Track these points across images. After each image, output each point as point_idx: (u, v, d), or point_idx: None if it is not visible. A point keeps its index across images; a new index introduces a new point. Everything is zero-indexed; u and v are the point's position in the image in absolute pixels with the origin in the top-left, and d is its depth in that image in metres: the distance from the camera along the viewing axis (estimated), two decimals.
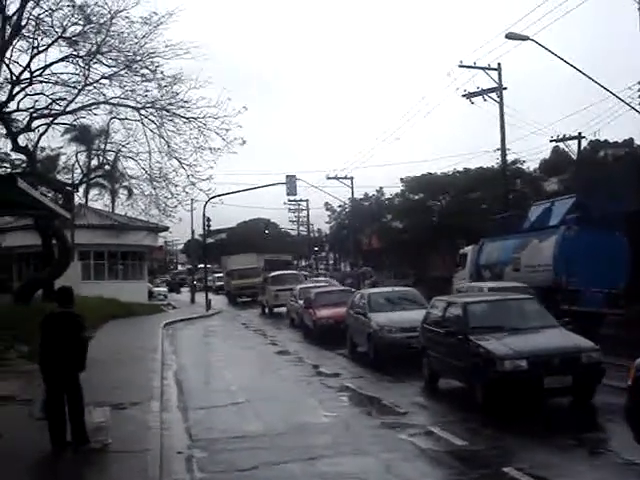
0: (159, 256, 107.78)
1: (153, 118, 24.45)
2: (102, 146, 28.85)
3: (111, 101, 24.28)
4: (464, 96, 33.56)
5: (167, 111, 24.35)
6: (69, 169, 34.50)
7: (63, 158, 34.52)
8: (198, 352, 23.63)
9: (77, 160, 29.55)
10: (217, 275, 67.96)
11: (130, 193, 32.19)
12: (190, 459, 9.66)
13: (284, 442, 10.43)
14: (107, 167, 28.24)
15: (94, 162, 29.38)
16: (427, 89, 73.72)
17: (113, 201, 56.17)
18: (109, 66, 23.65)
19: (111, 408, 10.15)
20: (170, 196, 25.61)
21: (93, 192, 50.63)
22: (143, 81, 24.72)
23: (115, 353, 19.97)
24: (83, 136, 33.48)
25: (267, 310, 38.37)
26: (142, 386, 14.47)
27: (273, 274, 39.41)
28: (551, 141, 40.28)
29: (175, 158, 24.53)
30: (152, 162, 25.07)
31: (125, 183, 41.42)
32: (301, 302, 28.34)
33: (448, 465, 8.94)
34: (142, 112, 24.34)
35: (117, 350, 20.85)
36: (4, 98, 22.30)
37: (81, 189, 39.70)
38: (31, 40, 21.75)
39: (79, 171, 31.45)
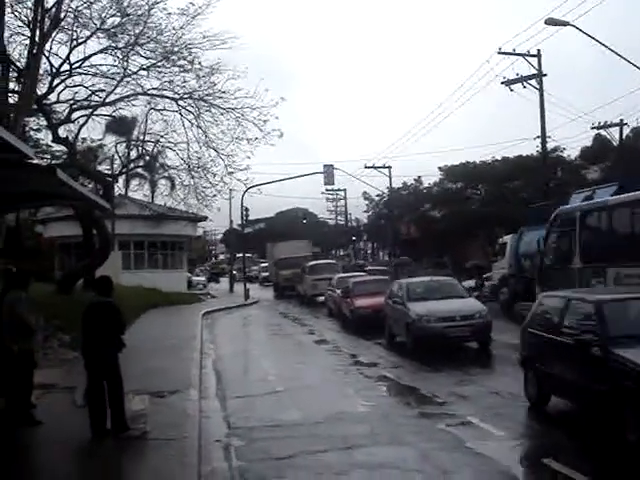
0: (199, 246, 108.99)
1: (191, 109, 24.62)
2: (141, 137, 29.14)
3: (149, 92, 24.46)
4: (503, 83, 33.24)
5: (205, 101, 24.49)
6: (110, 160, 35.08)
7: (104, 149, 35.02)
8: (236, 341, 23.72)
9: (117, 151, 29.90)
10: (263, 265, 64.87)
11: (173, 183, 32.53)
12: (228, 447, 9.70)
13: (321, 431, 10.43)
14: (146, 158, 28.39)
15: (133, 153, 29.58)
16: (466, 76, 73.01)
17: (153, 191, 56.62)
18: (147, 57, 23.81)
19: (150, 396, 10.24)
20: (209, 186, 25.82)
21: (133, 183, 51.28)
22: (181, 72, 24.89)
23: (154, 342, 20.18)
24: (121, 127, 33.75)
25: (305, 299, 38.42)
26: (181, 374, 14.58)
27: (311, 263, 39.50)
28: (592, 128, 39.65)
29: (213, 148, 24.71)
30: (190, 152, 25.26)
31: (165, 174, 41.87)
32: (339, 291, 28.36)
33: (486, 456, 8.85)
34: (180, 103, 24.52)
35: (156, 339, 21.09)
36: (44, 90, 22.57)
37: (121, 180, 40.16)
38: (70, 32, 22.02)
39: (119, 162, 31.82)
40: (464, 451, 9.12)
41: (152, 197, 49.85)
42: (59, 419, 10.35)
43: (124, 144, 31.19)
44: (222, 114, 24.42)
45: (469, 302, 19.01)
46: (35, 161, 7.02)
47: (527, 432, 10.21)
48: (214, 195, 26.03)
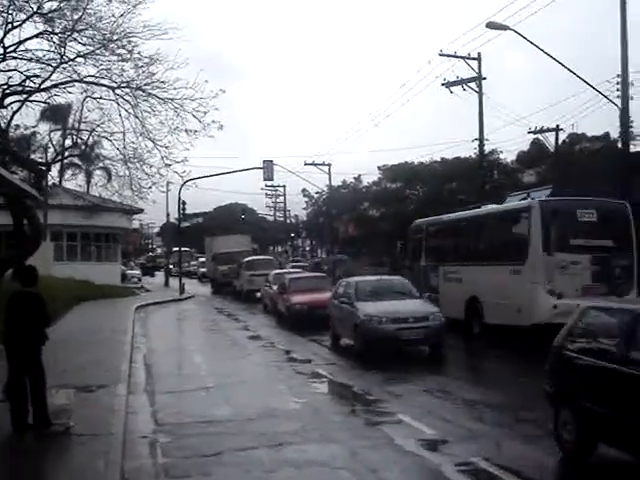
0: (134, 239, 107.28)
1: (128, 98, 23.95)
2: (76, 125, 28.41)
3: (86, 80, 23.81)
4: (444, 85, 33.59)
5: (143, 91, 23.89)
6: (43, 149, 34.11)
7: (37, 137, 34.06)
8: (169, 336, 23.39)
9: (50, 139, 29.09)
10: (202, 260, 63.02)
11: (109, 174, 31.81)
12: (154, 443, 9.48)
13: (251, 428, 10.27)
14: (82, 147, 27.69)
15: (68, 142, 28.79)
16: (407, 77, 73.60)
17: (88, 182, 55.46)
18: (85, 44, 23.12)
19: (75, 391, 9.92)
20: (145, 177, 25.28)
21: (68, 172, 50.11)
22: (119, 61, 24.28)
23: (84, 335, 19.75)
24: (56, 115, 32.89)
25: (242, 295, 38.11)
26: (110, 369, 14.24)
27: (248, 259, 39.24)
28: (529, 132, 40.48)
29: (150, 139, 24.12)
30: (126, 142, 24.65)
31: (100, 164, 41.00)
32: (275, 287, 28.23)
33: (415, 454, 8.84)
34: (117, 92, 23.88)
35: (87, 332, 20.62)
36: None
37: (55, 169, 39.15)
38: (5, 15, 21.27)
39: (52, 151, 30.98)
40: (394, 449, 9.10)
41: (87, 188, 48.81)
42: None
43: (58, 132, 30.36)
44: (160, 104, 23.88)
45: (422, 303, 17.75)
46: None
47: (458, 431, 10.23)
48: (150, 187, 25.44)
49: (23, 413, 9.09)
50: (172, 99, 24.00)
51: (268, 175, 42.74)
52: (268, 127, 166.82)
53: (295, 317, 23.62)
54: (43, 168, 27.50)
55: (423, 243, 23.61)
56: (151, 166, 24.77)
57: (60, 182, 45.99)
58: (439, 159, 46.45)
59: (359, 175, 66.47)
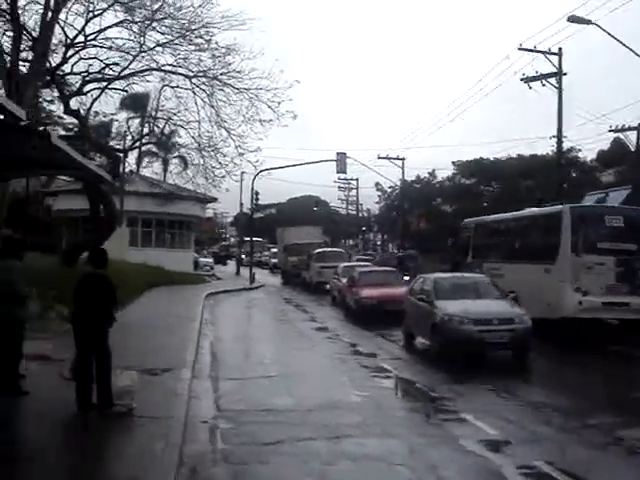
0: (208, 228, 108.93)
1: (204, 87, 24.38)
2: (153, 113, 28.93)
3: (164, 68, 24.24)
4: (522, 80, 32.74)
5: (219, 81, 24.25)
6: (122, 136, 34.89)
7: (116, 124, 34.85)
8: (236, 324, 23.60)
9: (128, 127, 29.67)
10: (274, 250, 62.65)
11: (185, 163, 32.31)
12: (214, 429, 9.53)
13: (312, 418, 10.22)
14: (159, 135, 28.22)
15: (145, 129, 29.34)
16: (485, 71, 72.09)
17: (165, 170, 56.50)
18: (163, 34, 23.56)
19: (138, 373, 10.04)
20: (218, 166, 25.63)
21: (145, 160, 51.21)
22: (197, 50, 24.65)
23: (153, 320, 20.09)
24: (135, 103, 33.59)
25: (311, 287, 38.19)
26: (176, 354, 14.39)
27: (318, 251, 39.25)
28: (609, 131, 39.12)
29: (224, 128, 24.46)
30: (201, 131, 25.06)
31: (176, 152, 41.64)
32: (344, 280, 28.15)
33: (475, 454, 8.62)
34: (193, 80, 24.28)
35: (156, 317, 20.99)
36: (58, 60, 22.37)
37: (133, 156, 39.99)
38: (86, 4, 21.79)
39: (130, 138, 31.61)
40: (454, 447, 8.90)
41: (164, 175, 49.72)
42: (46, 390, 10.17)
43: (136, 120, 30.97)
44: (235, 94, 24.20)
45: (506, 304, 16.46)
46: (24, 123, 6.80)
47: (522, 433, 9.94)
48: (223, 176, 25.85)
49: (88, 392, 9.25)
50: (247, 89, 24.32)
51: (341, 168, 42.67)
52: (342, 119, 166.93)
53: (363, 311, 23.31)
54: (120, 155, 28.07)
55: (471, 241, 25.01)
56: (225, 155, 25.17)
57: (137, 169, 47.05)
58: (515, 155, 45.50)
59: (433, 170, 65.64)
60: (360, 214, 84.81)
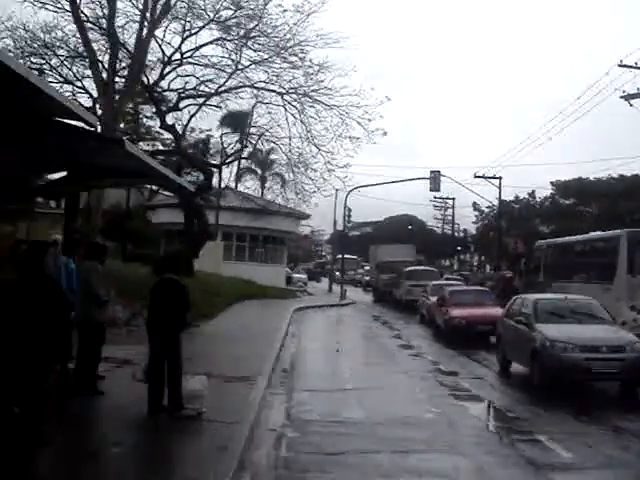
0: (305, 245, 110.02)
1: (295, 104, 24.76)
2: (247, 130, 29.61)
3: (257, 85, 24.78)
4: (622, 97, 31.63)
5: (310, 97, 24.58)
6: (220, 152, 35.85)
7: (214, 141, 35.86)
8: (320, 338, 23.61)
9: (222, 143, 30.41)
10: (367, 268, 63.27)
11: (283, 180, 32.88)
12: (281, 437, 9.58)
13: (380, 432, 10.13)
14: (255, 152, 28.87)
15: (238, 145, 30.03)
16: (584, 88, 69.89)
17: (262, 186, 57.68)
18: (257, 51, 24.10)
19: (214, 379, 10.19)
20: (309, 182, 25.97)
21: (246, 177, 52.49)
22: (291, 68, 25.11)
23: (239, 330, 20.43)
24: (236, 121, 34.42)
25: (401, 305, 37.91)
26: (255, 363, 14.53)
27: (409, 269, 38.93)
28: None
29: (314, 144, 24.74)
30: (292, 147, 25.43)
31: (274, 170, 42.24)
32: (433, 299, 27.80)
33: (545, 476, 8.32)
34: (285, 97, 24.71)
35: (241, 328, 21.33)
36: (155, 77, 23.25)
37: (229, 172, 40.88)
38: (183, 22, 22.57)
39: (226, 154, 32.36)
40: (523, 468, 8.62)
41: (261, 192, 50.71)
42: (121, 392, 10.49)
43: (230, 136, 31.71)
44: (326, 110, 24.46)
45: (616, 330, 14.94)
46: (97, 130, 7.08)
47: (599, 458, 9.51)
48: (314, 191, 26.15)
49: (159, 395, 9.49)
50: (338, 106, 24.52)
51: (435, 186, 42.35)
52: (438, 137, 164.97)
53: (453, 331, 22.59)
54: (213, 170, 28.79)
55: (542, 261, 26.85)
56: (315, 171, 25.42)
57: (235, 185, 48.19)
58: (617, 175, 43.86)
59: (533, 191, 64.06)
60: (456, 234, 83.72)
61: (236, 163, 39.69)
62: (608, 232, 22.67)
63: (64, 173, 10.99)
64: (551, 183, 48.40)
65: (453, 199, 72.48)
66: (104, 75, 17.99)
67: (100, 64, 19.74)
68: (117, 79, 20.48)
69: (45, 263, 7.92)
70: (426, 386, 14.52)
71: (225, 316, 24.49)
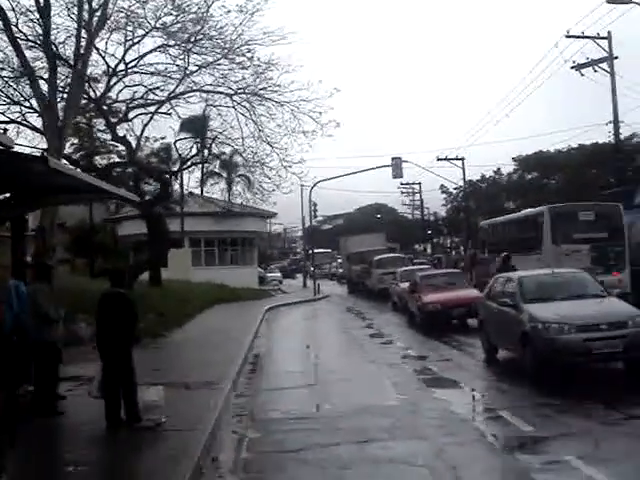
0: (278, 243, 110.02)
1: (245, 104, 24.69)
2: (206, 134, 29.46)
3: (205, 88, 24.66)
4: (573, 68, 31.93)
5: (259, 96, 24.51)
6: (178, 159, 35.61)
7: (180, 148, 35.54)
8: (290, 335, 23.55)
9: (176, 149, 30.20)
10: (340, 261, 63.73)
11: (249, 181, 32.74)
12: (242, 439, 9.54)
13: (343, 424, 10.13)
14: (206, 154, 28.73)
15: (194, 150, 29.81)
16: (534, 62, 70.44)
17: (229, 189, 57.28)
18: (202, 54, 23.95)
19: (177, 387, 10.15)
20: (267, 181, 25.93)
21: (210, 181, 52.19)
22: (240, 69, 24.98)
23: (207, 336, 20.39)
24: (194, 125, 34.20)
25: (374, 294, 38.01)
26: (220, 368, 14.42)
27: (378, 257, 39.06)
28: None
29: (267, 142, 24.69)
30: (246, 147, 25.38)
31: (240, 172, 42.10)
32: (403, 285, 27.93)
33: (506, 452, 8.39)
34: (235, 98, 24.61)
35: (211, 332, 21.30)
36: (102, 89, 23.04)
37: (194, 177, 40.44)
38: (125, 32, 22.37)
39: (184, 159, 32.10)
40: (483, 447, 8.70)
41: (229, 195, 50.52)
42: (82, 410, 10.40)
43: (184, 141, 31.46)
44: (276, 107, 24.42)
45: (614, 303, 13.40)
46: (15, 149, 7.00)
47: (555, 427, 9.58)
48: (272, 190, 26.12)
49: (116, 409, 9.44)
50: (288, 102, 24.47)
51: (397, 172, 42.48)
52: (398, 124, 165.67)
53: (428, 318, 21.63)
54: (169, 178, 28.62)
55: (486, 239, 30.13)
56: (271, 169, 25.37)
57: (201, 191, 47.91)
58: (576, 145, 44.31)
59: (498, 168, 64.46)
60: (427, 218, 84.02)
61: (199, 168, 39.36)
62: (534, 209, 25.69)
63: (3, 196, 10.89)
64: (513, 159, 48.84)
65: (419, 184, 72.93)
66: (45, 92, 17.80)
67: (42, 81, 19.52)
68: (62, 95, 20.24)
69: None
70: (393, 374, 14.53)
71: (195, 323, 24.39)
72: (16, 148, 9.81)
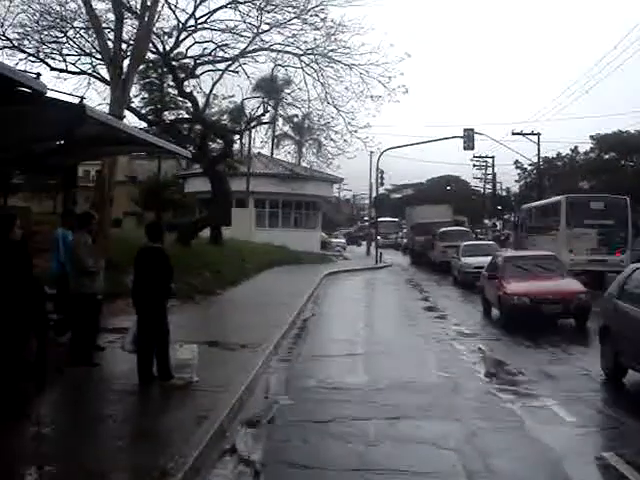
0: (346, 209, 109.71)
1: (314, 65, 24.27)
2: (280, 95, 29.23)
3: (273, 48, 24.33)
4: None
5: (328, 58, 24.06)
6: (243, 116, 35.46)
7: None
8: (343, 303, 23.24)
9: (243, 107, 30.01)
10: (406, 231, 62.61)
11: (319, 145, 32.47)
12: (272, 405, 9.38)
13: (378, 398, 9.85)
14: (272, 114, 28.49)
15: (261, 110, 29.55)
16: (618, 38, 67.33)
17: (300, 152, 57.19)
18: (270, 12, 23.57)
19: (197, 346, 10.01)
20: (333, 144, 25.62)
21: (283, 143, 52.11)
22: (313, 29, 24.52)
23: (259, 297, 20.37)
24: (271, 86, 33.99)
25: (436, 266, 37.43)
26: (266, 330, 14.34)
27: (442, 230, 38.37)
28: None
29: (333, 105, 24.30)
30: (312, 109, 25.04)
31: (313, 135, 41.83)
32: (464, 260, 27.49)
33: (540, 442, 7.96)
34: (303, 59, 24.22)
35: (263, 293, 21.29)
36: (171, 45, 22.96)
37: (259, 137, 40.39)
38: None
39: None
40: (519, 434, 8.28)
41: (299, 158, 50.33)
42: (119, 362, 10.42)
43: (252, 101, 31.23)
44: (344, 70, 23.95)
45: None
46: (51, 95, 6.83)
47: (603, 421, 9.11)
48: (338, 154, 25.79)
49: (148, 365, 9.37)
50: (357, 65, 23.97)
51: (469, 144, 41.36)
52: (471, 96, 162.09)
53: (512, 315, 16.63)
54: (233, 137, 28.51)
55: (525, 221, 33.61)
56: (336, 132, 25.00)
57: (272, 152, 47.83)
58: None
59: (575, 146, 62.31)
60: (499, 193, 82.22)
61: (268, 128, 39.17)
62: (556, 197, 30.45)
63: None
64: (591, 137, 47.02)
65: (492, 157, 71.18)
66: (110, 44, 17.77)
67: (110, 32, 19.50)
68: (129, 48, 20.20)
69: (13, 232, 7.82)
70: (440, 349, 14.16)
71: (250, 283, 24.44)
72: (86, 100, 9.77)
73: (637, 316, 9.97)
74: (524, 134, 50.44)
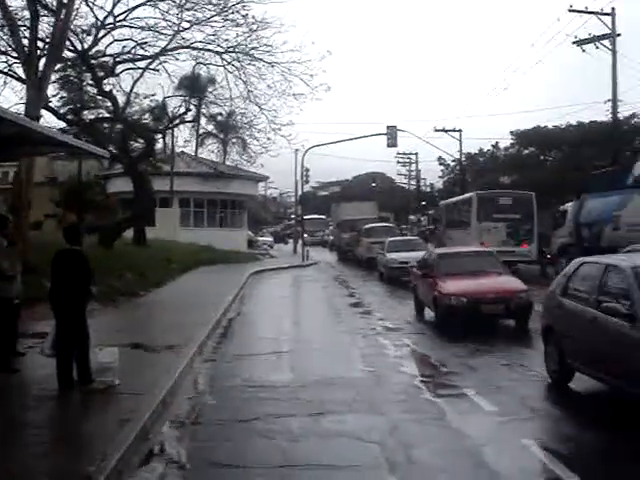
0: (272, 207, 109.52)
1: (236, 63, 24.17)
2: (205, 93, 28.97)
3: (194, 46, 24.13)
4: (575, 43, 31.43)
5: (250, 55, 24.00)
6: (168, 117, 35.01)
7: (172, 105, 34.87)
8: (270, 301, 23.22)
9: (165, 106, 29.66)
10: (332, 228, 63.21)
11: (244, 143, 32.26)
12: (196, 406, 9.32)
13: (303, 394, 9.90)
14: (194, 113, 28.25)
15: (182, 109, 29.25)
16: (536, 36, 69.47)
17: (225, 150, 56.71)
18: (190, 10, 23.34)
19: (121, 348, 9.88)
20: (256, 142, 25.58)
21: (207, 142, 51.55)
22: (234, 26, 24.37)
23: (184, 298, 20.15)
24: (195, 84, 33.61)
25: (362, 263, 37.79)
26: (190, 331, 14.19)
27: (367, 226, 38.80)
28: None
29: (255, 104, 24.26)
30: (234, 108, 24.96)
31: (237, 134, 41.47)
32: (390, 255, 27.80)
33: (461, 431, 8.15)
34: (224, 57, 24.10)
35: (189, 294, 21.07)
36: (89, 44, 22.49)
37: (182, 136, 39.94)
38: None
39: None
40: (439, 425, 8.45)
41: (224, 156, 49.94)
42: (39, 368, 10.16)
43: (174, 100, 30.88)
44: (267, 68, 23.95)
45: None
46: None
47: (520, 409, 9.37)
48: (261, 152, 25.76)
49: (68, 369, 9.19)
50: (279, 63, 24.00)
51: (392, 141, 41.90)
52: (393, 93, 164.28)
53: (448, 316, 15.49)
54: (154, 136, 28.15)
55: (441, 217, 36.86)
56: (259, 131, 24.99)
57: (195, 151, 47.34)
58: (575, 122, 43.72)
59: (496, 142, 63.76)
60: (423, 189, 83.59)
61: (191, 127, 38.74)
62: (467, 194, 33.27)
63: None
64: (510, 132, 48.39)
65: (416, 154, 72.38)
66: (26, 43, 17.29)
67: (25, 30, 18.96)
68: (45, 46, 19.68)
69: None
70: (365, 344, 14.31)
71: (175, 284, 24.16)
72: (0, 100, 9.49)
73: (587, 317, 9.12)
74: (446, 130, 51.58)
